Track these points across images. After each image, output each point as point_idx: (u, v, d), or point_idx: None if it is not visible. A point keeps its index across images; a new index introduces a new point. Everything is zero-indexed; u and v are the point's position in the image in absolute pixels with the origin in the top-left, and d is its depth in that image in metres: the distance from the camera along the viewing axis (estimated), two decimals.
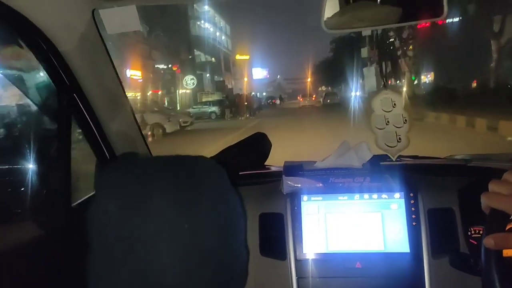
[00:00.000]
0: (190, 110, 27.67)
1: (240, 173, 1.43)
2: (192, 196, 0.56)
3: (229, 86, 41.88)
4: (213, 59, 44.14)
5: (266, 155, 1.52)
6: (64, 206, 1.15)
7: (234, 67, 57.59)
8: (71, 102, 1.11)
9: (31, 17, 0.88)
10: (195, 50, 39.18)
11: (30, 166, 1.16)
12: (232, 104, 28.42)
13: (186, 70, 33.96)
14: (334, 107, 30.85)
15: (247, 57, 60.63)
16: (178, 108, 30.01)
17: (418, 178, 1.18)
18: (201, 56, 41.32)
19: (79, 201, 1.25)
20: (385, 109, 1.12)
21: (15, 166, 1.17)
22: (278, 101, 52.03)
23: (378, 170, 1.18)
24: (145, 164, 0.61)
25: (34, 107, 1.20)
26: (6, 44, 0.99)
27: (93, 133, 1.22)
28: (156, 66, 29.46)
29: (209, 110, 27.65)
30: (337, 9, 1.04)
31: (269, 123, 18.87)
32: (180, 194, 0.55)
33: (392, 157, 1.14)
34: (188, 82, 32.22)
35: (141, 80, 25.12)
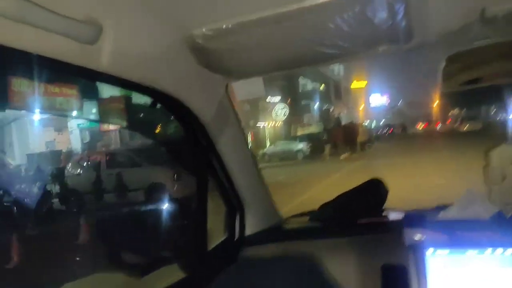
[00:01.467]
0: (271, 149, 23.28)
1: (358, 222, 1.51)
2: None
3: (337, 116, 38.32)
4: (321, 87, 40.25)
5: (382, 202, 1.57)
6: (202, 251, 1.39)
7: (348, 95, 55.58)
8: (207, 161, 1.36)
9: (182, 98, 1.15)
10: (300, 77, 34.95)
11: (174, 217, 1.43)
12: (330, 138, 21.99)
13: (287, 100, 28.49)
14: (475, 136, 19.90)
15: (363, 83, 58.92)
16: (268, 145, 25.72)
17: None
18: (307, 84, 37.37)
19: (213, 246, 1.49)
20: (504, 164, 1.10)
21: (164, 217, 1.46)
22: (399, 130, 45.21)
23: (508, 222, 1.14)
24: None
25: (175, 166, 1.50)
26: (159, 120, 1.29)
27: (223, 187, 1.45)
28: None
29: (296, 148, 22.10)
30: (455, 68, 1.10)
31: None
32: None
33: (507, 215, 1.11)
34: (279, 113, 26.81)
35: None
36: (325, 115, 33.62)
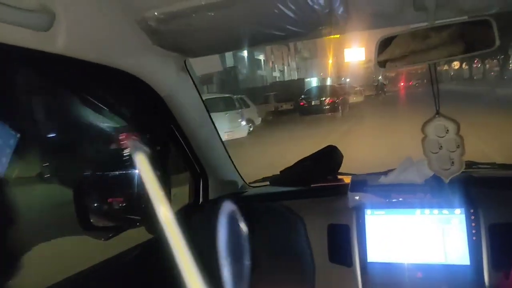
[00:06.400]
0: None
1: (312, 185, 1.68)
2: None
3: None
4: None
5: (338, 166, 1.74)
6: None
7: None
8: (169, 132, 1.47)
9: (140, 76, 1.23)
10: None
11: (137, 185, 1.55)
12: None
13: None
14: None
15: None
16: None
17: (480, 192, 1.30)
18: None
19: (176, 210, 1.63)
20: (438, 135, 1.24)
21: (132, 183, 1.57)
22: (353, 98, 25.07)
23: (439, 186, 1.32)
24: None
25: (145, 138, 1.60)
26: (121, 97, 1.36)
27: (187, 156, 1.58)
28: None
29: None
30: (390, 48, 1.21)
31: None
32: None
33: (445, 179, 1.27)
34: None
35: None
36: None
